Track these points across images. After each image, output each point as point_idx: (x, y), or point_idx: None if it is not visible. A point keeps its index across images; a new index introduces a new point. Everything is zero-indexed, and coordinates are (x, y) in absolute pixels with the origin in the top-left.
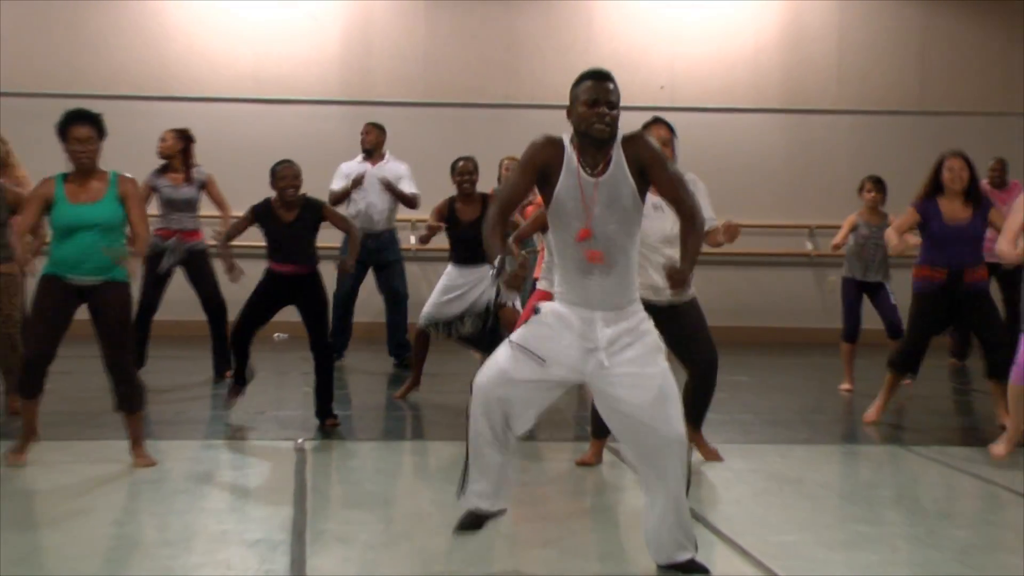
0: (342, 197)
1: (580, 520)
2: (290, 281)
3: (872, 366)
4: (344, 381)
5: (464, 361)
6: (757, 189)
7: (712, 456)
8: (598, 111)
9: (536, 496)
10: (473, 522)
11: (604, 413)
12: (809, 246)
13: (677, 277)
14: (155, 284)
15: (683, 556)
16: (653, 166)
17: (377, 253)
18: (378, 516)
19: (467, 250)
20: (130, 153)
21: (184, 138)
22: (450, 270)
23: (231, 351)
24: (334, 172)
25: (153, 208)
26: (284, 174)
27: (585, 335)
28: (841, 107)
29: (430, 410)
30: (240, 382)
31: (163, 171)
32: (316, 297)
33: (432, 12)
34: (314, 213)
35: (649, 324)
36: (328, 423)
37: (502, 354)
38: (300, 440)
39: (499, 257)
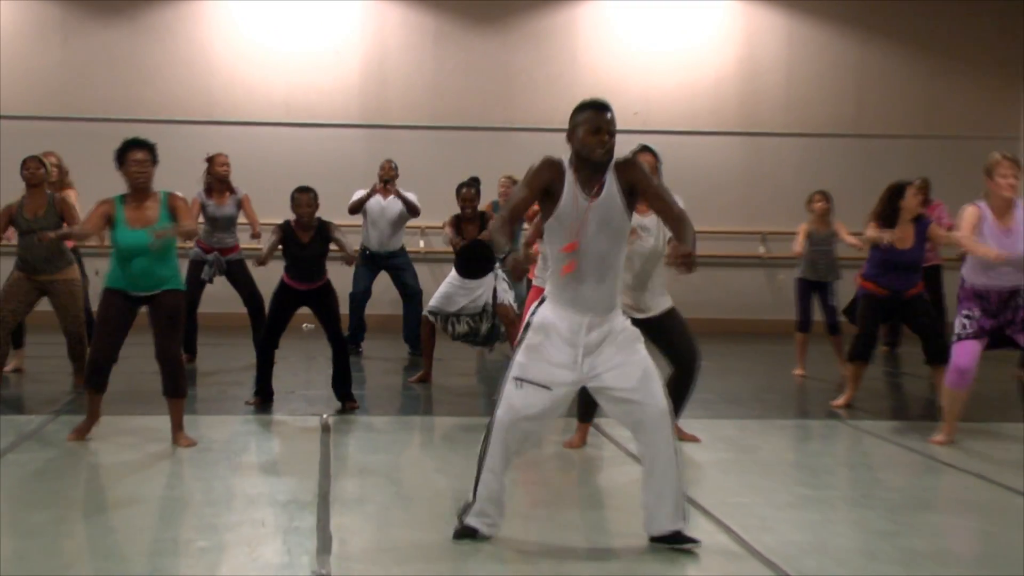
0: (358, 206)
1: (569, 497)
2: (304, 294)
3: (820, 353)
4: (362, 366)
5: (466, 348)
6: (717, 200)
7: (689, 438)
8: (600, 138)
9: (528, 476)
10: (471, 535)
11: (601, 402)
12: (761, 249)
13: (684, 257)
14: (197, 287)
15: (673, 527)
16: (642, 186)
17: (387, 260)
18: (392, 481)
19: (468, 265)
20: (179, 171)
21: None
22: (453, 276)
23: (258, 366)
24: (353, 187)
25: (200, 220)
26: (300, 200)
27: (572, 341)
28: (789, 131)
29: (438, 391)
30: (261, 394)
31: (209, 191)
32: (328, 303)
33: (439, 47)
34: (325, 233)
35: (626, 322)
36: (348, 405)
37: (512, 394)
38: (325, 416)
39: (508, 249)
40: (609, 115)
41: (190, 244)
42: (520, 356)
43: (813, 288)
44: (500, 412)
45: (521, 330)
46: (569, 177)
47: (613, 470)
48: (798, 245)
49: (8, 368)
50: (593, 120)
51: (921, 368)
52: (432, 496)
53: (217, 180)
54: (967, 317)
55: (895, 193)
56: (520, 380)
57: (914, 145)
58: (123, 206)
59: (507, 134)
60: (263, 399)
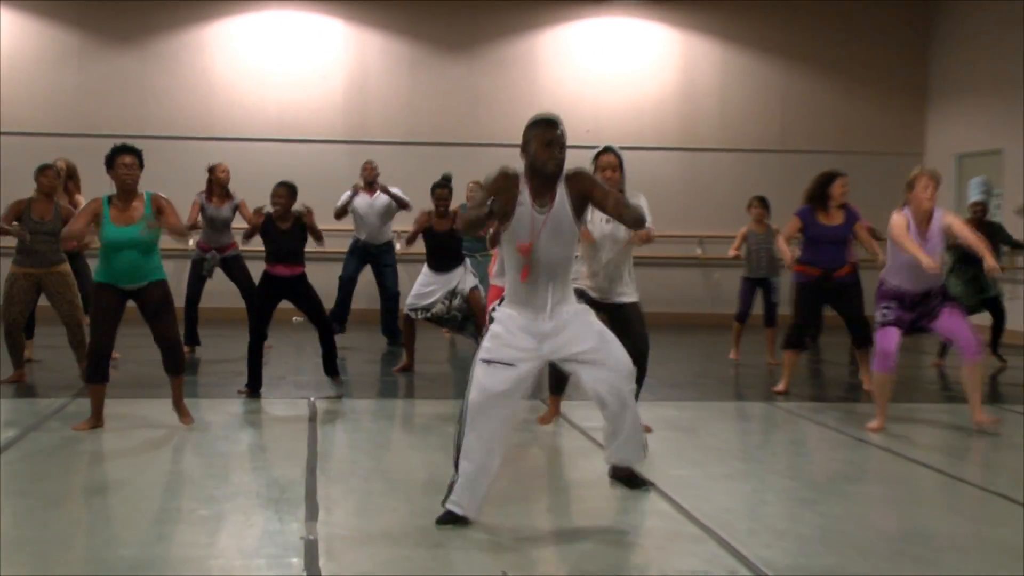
0: (343, 211)
1: (540, 483)
2: (284, 282)
3: (753, 343)
4: (345, 356)
5: (440, 340)
6: (660, 208)
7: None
8: (551, 152)
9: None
10: (452, 520)
11: (570, 371)
12: (699, 251)
13: (642, 235)
14: (198, 282)
15: (635, 461)
16: (593, 194)
17: (377, 256)
18: (372, 457)
19: (439, 258)
20: (182, 183)
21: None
22: (426, 271)
23: (249, 358)
24: (338, 195)
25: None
26: (276, 192)
27: (531, 330)
28: (723, 146)
29: (414, 377)
30: (251, 386)
31: (209, 196)
32: (307, 292)
33: (414, 72)
34: (302, 224)
35: (579, 305)
36: (335, 380)
37: (480, 373)
38: (312, 398)
39: (486, 211)
40: (559, 130)
41: (183, 245)
42: (486, 342)
43: (756, 285)
44: (472, 394)
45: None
46: (523, 190)
47: (581, 457)
48: (733, 249)
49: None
50: (544, 135)
51: (841, 355)
52: (409, 470)
53: (217, 185)
54: (886, 308)
55: (826, 181)
56: (487, 361)
57: (832, 159)
58: (109, 206)
59: (474, 149)
60: (253, 390)
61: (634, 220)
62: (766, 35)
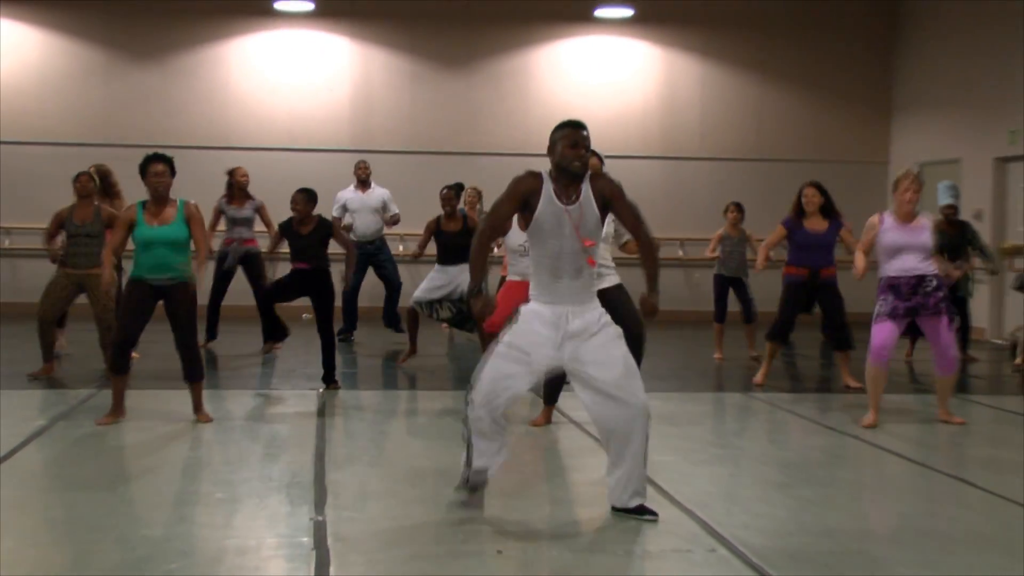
0: (336, 223)
1: (539, 475)
2: (307, 275)
3: (733, 338)
4: (352, 349)
5: (439, 333)
6: (644, 212)
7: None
8: (577, 152)
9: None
10: (471, 492)
11: (579, 388)
12: (680, 252)
13: (650, 308)
14: (222, 279)
15: (635, 502)
16: (615, 200)
17: (372, 255)
18: (376, 444)
19: (449, 253)
20: (200, 189)
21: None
22: (437, 268)
23: (262, 315)
24: (334, 207)
25: (221, 225)
26: (295, 199)
27: (558, 327)
28: (702, 155)
29: (416, 370)
30: (270, 338)
31: (229, 199)
32: (325, 292)
33: (415, 86)
34: (326, 229)
35: (608, 318)
36: (331, 387)
37: (495, 353)
38: (320, 390)
39: (476, 289)
40: (585, 132)
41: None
42: (507, 328)
43: (728, 283)
44: (484, 371)
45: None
46: (548, 187)
47: (575, 449)
48: (710, 250)
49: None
50: (572, 136)
51: (813, 349)
52: (411, 457)
53: (237, 188)
54: (883, 301)
55: (799, 192)
56: (503, 343)
57: (803, 168)
58: (143, 211)
59: (471, 157)
60: (278, 339)
61: (648, 237)
62: (742, 52)
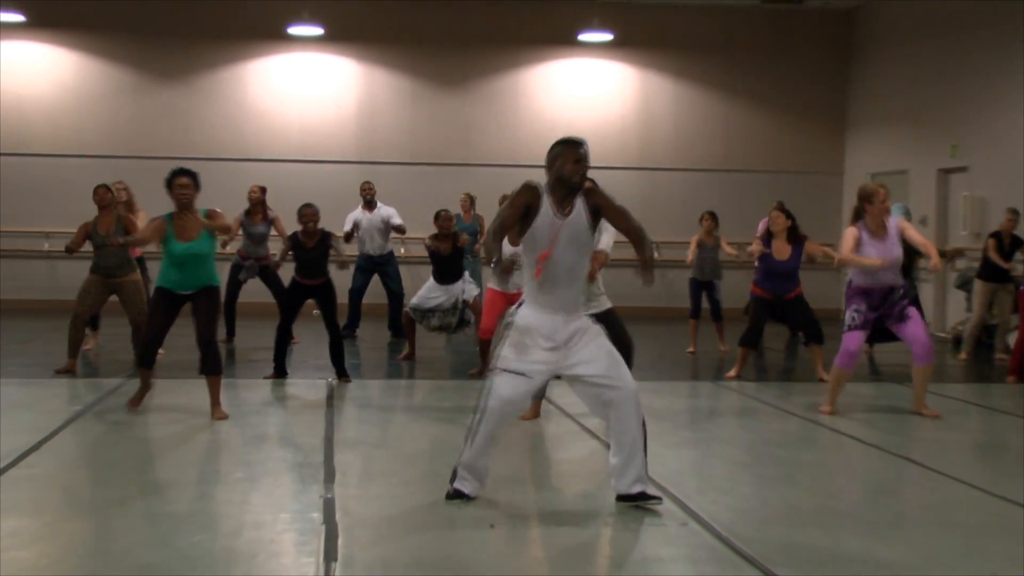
0: (348, 237)
1: (525, 455)
2: (308, 288)
3: (704, 333)
4: (357, 344)
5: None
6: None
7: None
8: (577, 167)
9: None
10: (460, 497)
11: (576, 389)
12: (656, 255)
13: (648, 279)
14: (235, 286)
15: (638, 488)
16: (606, 209)
17: (380, 267)
18: (381, 428)
19: (442, 274)
20: (218, 198)
21: (262, 190)
22: (431, 283)
23: (275, 349)
24: (350, 210)
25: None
26: (305, 212)
27: (551, 336)
28: (676, 166)
29: (415, 362)
30: (277, 372)
31: (248, 213)
32: (329, 297)
33: (415, 103)
34: (327, 241)
35: (590, 321)
36: (342, 379)
37: (499, 384)
38: (329, 379)
39: (496, 257)
40: (584, 149)
41: (229, 248)
42: (505, 351)
43: (702, 286)
44: (490, 402)
45: (503, 330)
46: (545, 200)
47: (562, 434)
48: (690, 254)
49: (87, 347)
50: (574, 153)
51: (778, 343)
52: (411, 440)
53: (251, 204)
54: (856, 311)
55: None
56: (505, 371)
57: (767, 178)
58: (172, 223)
59: (466, 168)
60: (277, 375)
61: (639, 228)
62: (711, 73)
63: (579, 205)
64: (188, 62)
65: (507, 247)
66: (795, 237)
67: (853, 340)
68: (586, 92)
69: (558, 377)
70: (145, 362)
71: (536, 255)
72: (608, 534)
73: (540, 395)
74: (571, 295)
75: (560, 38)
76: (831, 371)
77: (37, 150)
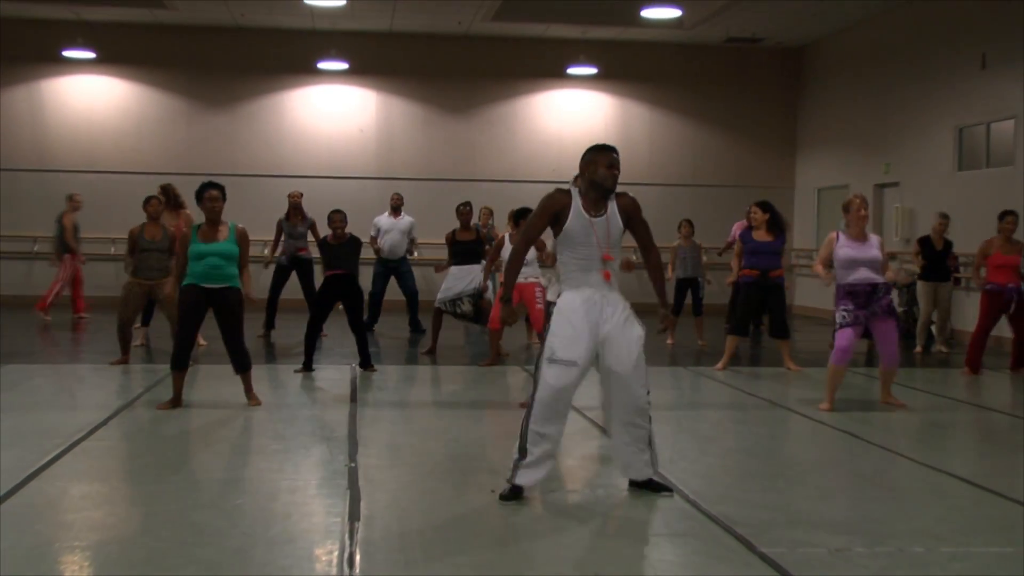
0: (373, 241)
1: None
2: (339, 281)
3: (685, 327)
4: (378, 334)
5: (454, 320)
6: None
7: None
8: (612, 171)
9: (504, 433)
10: (517, 496)
11: (601, 371)
12: (634, 258)
13: (667, 323)
14: (280, 280)
15: (645, 475)
16: (635, 218)
17: (396, 268)
18: (400, 407)
19: (462, 257)
20: (259, 209)
21: (300, 195)
22: (453, 269)
23: (305, 344)
24: (372, 220)
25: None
26: (334, 218)
27: (590, 312)
28: (651, 181)
29: (436, 356)
30: (306, 366)
31: (288, 216)
32: (355, 294)
33: (427, 127)
34: (356, 245)
35: (631, 312)
36: (368, 369)
37: (547, 373)
38: (353, 364)
39: (506, 297)
40: (615, 155)
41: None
42: (550, 340)
43: (686, 284)
44: (539, 392)
45: (546, 321)
46: (576, 201)
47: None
48: (669, 267)
49: (138, 343)
50: (605, 158)
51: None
52: (427, 418)
53: (292, 207)
54: (845, 311)
55: (749, 209)
56: (551, 360)
57: (728, 191)
58: (197, 232)
59: (470, 183)
60: (306, 369)
61: (657, 254)
62: (681, 102)
63: (612, 208)
64: (232, 92)
65: (508, 250)
66: (777, 226)
67: (844, 337)
68: (574, 118)
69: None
70: (178, 364)
71: (574, 252)
72: (594, 499)
73: None
74: (606, 279)
75: (552, 72)
76: (828, 369)
77: (104, 168)
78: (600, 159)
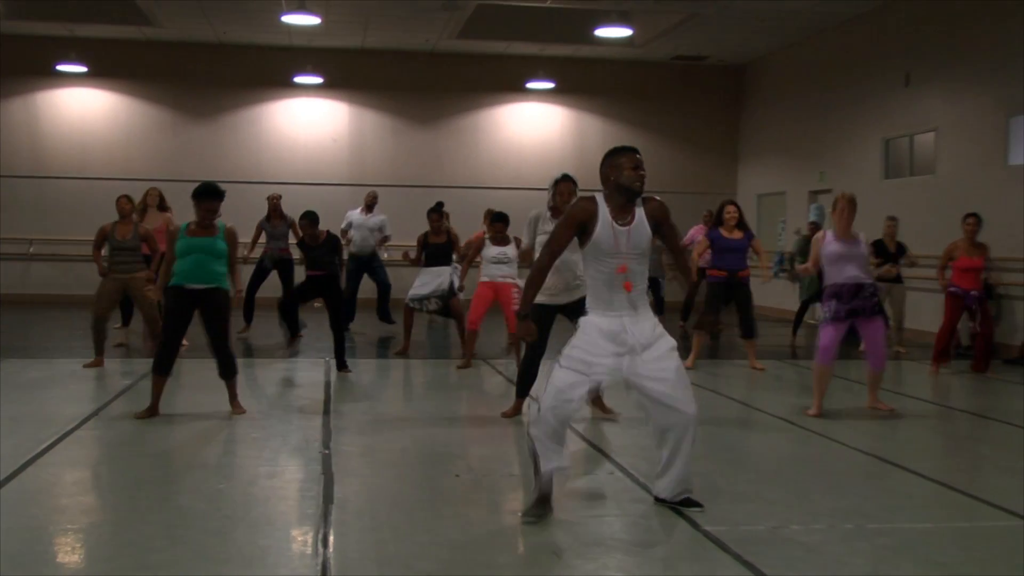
0: (343, 234)
1: (504, 431)
2: (319, 280)
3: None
4: (353, 330)
5: (422, 317)
6: None
7: (609, 413)
8: (638, 173)
9: (477, 426)
10: (541, 506)
11: (640, 397)
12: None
13: (688, 281)
14: (259, 276)
15: (682, 497)
16: (664, 224)
17: (367, 264)
18: (370, 397)
19: (433, 259)
20: (239, 212)
21: (279, 197)
22: (422, 272)
23: (281, 316)
24: (343, 222)
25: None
26: (301, 224)
27: (617, 338)
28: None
29: (400, 343)
30: (294, 333)
31: (268, 218)
32: (335, 294)
33: (396, 136)
34: (333, 244)
35: (661, 328)
36: (342, 372)
37: (555, 377)
38: (328, 359)
39: (524, 313)
40: (639, 155)
41: (253, 254)
42: (567, 349)
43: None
44: (546, 397)
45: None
46: (603, 210)
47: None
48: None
49: (119, 342)
50: (633, 160)
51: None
52: (397, 408)
53: (272, 209)
54: (828, 308)
55: (720, 208)
56: (562, 364)
57: (676, 197)
58: (186, 228)
59: (436, 189)
60: (293, 334)
61: (687, 260)
62: (631, 114)
63: (640, 214)
64: (215, 104)
65: (488, 250)
66: (743, 226)
67: (826, 335)
68: (533, 129)
69: (529, 383)
70: (160, 368)
71: (601, 264)
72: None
73: (523, 392)
74: (634, 296)
75: (512, 86)
76: (813, 370)
77: (95, 174)
78: (624, 161)
